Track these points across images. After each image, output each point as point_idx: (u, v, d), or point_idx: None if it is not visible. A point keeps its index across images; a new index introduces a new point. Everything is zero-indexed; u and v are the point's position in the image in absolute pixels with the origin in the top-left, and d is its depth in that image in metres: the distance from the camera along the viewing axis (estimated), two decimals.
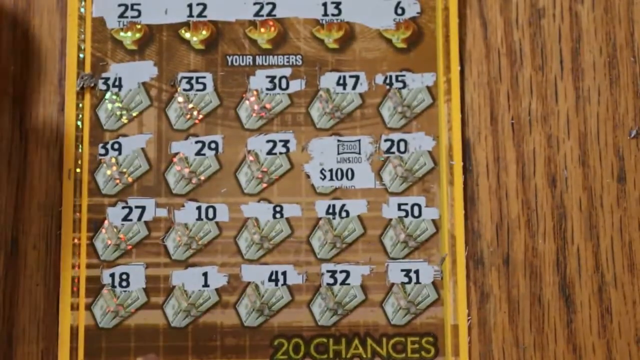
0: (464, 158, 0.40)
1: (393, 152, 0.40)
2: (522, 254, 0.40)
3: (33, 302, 0.39)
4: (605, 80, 0.41)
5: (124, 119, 0.40)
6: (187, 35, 0.40)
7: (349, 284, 0.39)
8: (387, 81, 0.41)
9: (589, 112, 0.41)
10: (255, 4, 0.41)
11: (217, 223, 0.39)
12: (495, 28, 0.41)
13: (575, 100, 0.41)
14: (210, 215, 0.39)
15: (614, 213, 0.40)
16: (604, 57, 0.41)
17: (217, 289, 0.39)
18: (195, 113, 0.40)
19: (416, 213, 0.40)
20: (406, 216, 0.40)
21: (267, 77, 0.40)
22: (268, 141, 0.40)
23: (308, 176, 0.40)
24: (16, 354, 0.39)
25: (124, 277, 0.39)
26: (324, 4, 0.41)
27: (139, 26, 0.40)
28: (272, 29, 0.41)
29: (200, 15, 0.41)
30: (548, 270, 0.40)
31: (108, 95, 0.40)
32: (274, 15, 0.41)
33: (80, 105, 0.40)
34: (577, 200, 0.40)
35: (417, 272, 0.39)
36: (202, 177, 0.40)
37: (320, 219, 0.40)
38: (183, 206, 0.39)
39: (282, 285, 0.39)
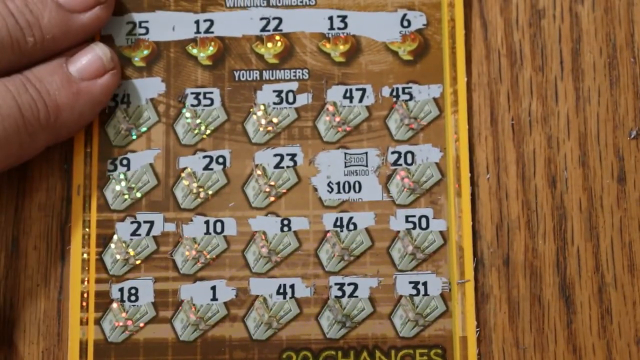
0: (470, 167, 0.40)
1: (400, 165, 0.40)
2: (522, 254, 0.40)
3: (33, 303, 0.39)
4: (605, 81, 0.41)
5: (133, 135, 0.40)
6: (195, 51, 0.41)
7: (357, 297, 0.39)
8: (394, 93, 0.41)
9: (589, 113, 0.41)
10: (261, 19, 0.41)
11: (225, 237, 0.40)
12: (496, 29, 0.41)
13: (575, 101, 0.41)
14: (218, 229, 0.40)
15: (614, 214, 0.40)
16: (604, 58, 0.41)
17: (225, 303, 0.39)
18: (202, 128, 0.40)
19: (424, 225, 0.40)
20: (414, 228, 0.40)
21: (274, 91, 0.41)
22: (275, 155, 0.40)
23: (315, 189, 0.40)
24: (17, 354, 0.39)
25: (133, 291, 0.39)
26: (330, 18, 0.41)
27: (147, 43, 0.41)
28: (279, 43, 0.41)
29: (207, 31, 0.41)
30: (548, 271, 0.40)
31: (117, 112, 0.40)
32: (280, 30, 0.41)
33: None
34: (577, 201, 0.40)
35: (425, 284, 0.39)
36: (210, 192, 0.40)
37: (327, 231, 0.40)
38: (191, 220, 0.40)
39: (290, 298, 0.39)
